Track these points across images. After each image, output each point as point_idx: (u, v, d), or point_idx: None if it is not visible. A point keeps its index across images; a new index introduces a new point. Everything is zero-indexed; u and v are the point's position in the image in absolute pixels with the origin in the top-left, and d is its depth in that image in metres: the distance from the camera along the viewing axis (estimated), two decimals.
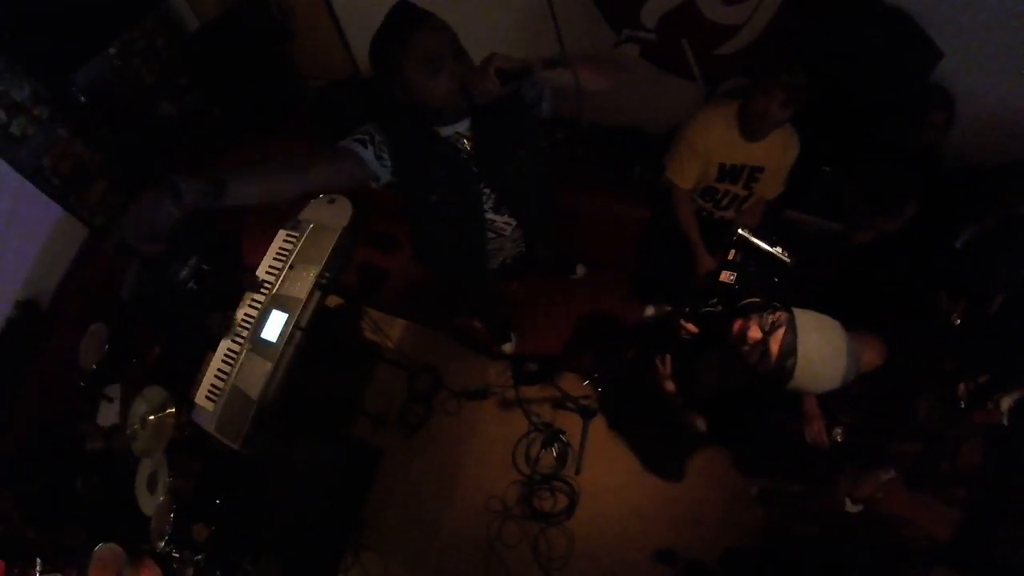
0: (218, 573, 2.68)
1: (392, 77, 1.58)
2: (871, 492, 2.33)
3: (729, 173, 2.58)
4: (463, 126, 1.75)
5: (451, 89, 1.57)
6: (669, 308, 2.92)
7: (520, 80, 1.53)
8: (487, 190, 1.88)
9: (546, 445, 3.20)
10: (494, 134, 1.77)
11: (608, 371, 2.84)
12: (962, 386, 2.39)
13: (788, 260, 1.97)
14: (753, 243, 1.97)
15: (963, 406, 2.41)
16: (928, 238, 2.70)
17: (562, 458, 3.18)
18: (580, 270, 3.40)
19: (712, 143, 2.49)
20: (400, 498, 3.26)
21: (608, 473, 3.13)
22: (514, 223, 2.01)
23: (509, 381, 3.39)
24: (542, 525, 3.09)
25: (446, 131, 1.75)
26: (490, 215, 1.96)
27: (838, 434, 2.19)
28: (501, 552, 3.07)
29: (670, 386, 2.00)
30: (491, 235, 2.03)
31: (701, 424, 1.98)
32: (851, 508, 2.37)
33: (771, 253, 1.97)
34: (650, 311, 3.13)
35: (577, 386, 3.22)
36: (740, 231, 1.97)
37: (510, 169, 1.85)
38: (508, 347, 3.38)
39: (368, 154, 1.71)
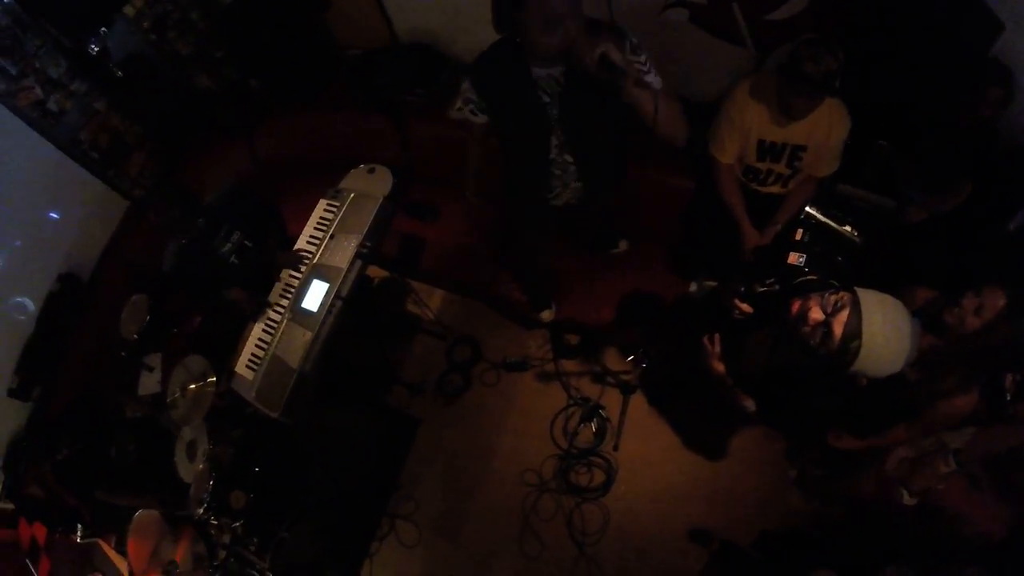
0: (255, 540, 2.71)
1: (510, 20, 1.74)
2: (930, 485, 2.23)
3: (769, 151, 2.49)
4: (557, 71, 1.88)
5: (558, 48, 1.72)
6: (713, 283, 2.85)
7: (613, 76, 1.65)
8: (559, 130, 2.04)
9: (585, 419, 3.17)
10: (580, 89, 1.89)
11: (649, 347, 2.80)
12: (1009, 377, 2.28)
13: (858, 239, 1.88)
14: (822, 222, 1.89)
15: (1008, 398, 2.32)
16: (981, 219, 2.60)
17: (600, 433, 3.15)
18: (622, 245, 3.32)
19: (750, 119, 2.42)
20: (437, 468, 3.28)
21: (646, 450, 3.11)
22: (574, 165, 2.18)
23: (549, 354, 3.37)
24: (578, 500, 3.08)
25: (539, 72, 1.89)
26: (554, 154, 2.14)
27: None
28: (536, 525, 3.07)
29: (719, 366, 1.94)
30: (556, 172, 2.21)
31: (751, 405, 1.92)
32: (907, 501, 2.27)
33: (840, 232, 1.89)
34: (694, 287, 3.06)
35: (618, 361, 3.21)
36: (809, 209, 1.89)
37: (582, 121, 2.03)
38: (547, 314, 3.33)
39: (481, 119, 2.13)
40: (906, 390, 2.17)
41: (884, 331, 1.47)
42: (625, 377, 3.06)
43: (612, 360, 3.24)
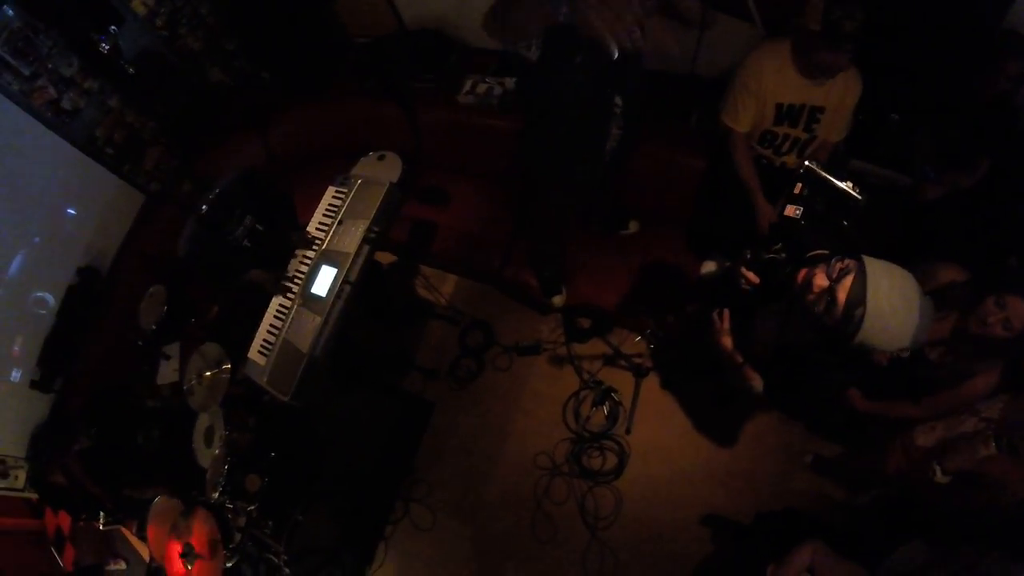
0: (270, 523, 2.74)
1: None
2: (967, 467, 2.17)
3: (787, 114, 2.47)
4: None
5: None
6: (728, 264, 2.81)
7: None
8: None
9: (597, 403, 3.17)
10: None
11: (662, 329, 2.77)
12: None
13: (859, 197, 1.84)
14: (822, 176, 1.84)
15: None
16: (999, 197, 2.53)
17: (613, 417, 3.14)
18: (633, 226, 3.29)
19: (767, 82, 2.41)
20: (450, 452, 3.29)
21: (659, 434, 3.09)
22: (622, 106, 2.27)
23: (561, 337, 3.36)
24: (590, 483, 3.07)
25: None
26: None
27: None
28: (548, 508, 3.07)
29: (727, 342, 1.90)
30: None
31: (757, 383, 1.87)
32: (940, 479, 2.21)
33: (841, 188, 1.84)
34: (707, 268, 3.02)
35: (630, 343, 3.18)
36: (808, 163, 1.85)
37: (630, 63, 2.01)
38: (559, 299, 3.31)
39: None
40: (927, 370, 2.13)
41: (890, 299, 1.41)
42: (637, 360, 3.04)
43: (624, 343, 3.21)
